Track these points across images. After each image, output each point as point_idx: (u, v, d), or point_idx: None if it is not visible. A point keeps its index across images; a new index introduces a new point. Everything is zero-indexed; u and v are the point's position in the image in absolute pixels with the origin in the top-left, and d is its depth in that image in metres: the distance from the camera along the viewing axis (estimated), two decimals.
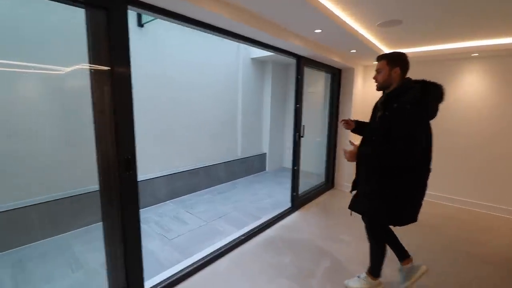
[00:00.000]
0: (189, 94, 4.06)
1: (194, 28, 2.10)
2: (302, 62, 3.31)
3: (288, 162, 5.99)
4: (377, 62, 1.80)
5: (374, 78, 1.80)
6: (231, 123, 4.97)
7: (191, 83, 4.07)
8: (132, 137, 1.63)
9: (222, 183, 4.69)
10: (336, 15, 2.30)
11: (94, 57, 1.48)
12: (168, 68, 3.73)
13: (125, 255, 1.70)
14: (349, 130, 2.14)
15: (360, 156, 1.73)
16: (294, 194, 3.57)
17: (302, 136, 3.44)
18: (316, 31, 2.57)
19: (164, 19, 1.88)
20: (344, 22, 2.45)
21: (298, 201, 3.66)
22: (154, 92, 3.58)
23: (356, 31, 2.71)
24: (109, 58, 1.48)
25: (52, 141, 2.70)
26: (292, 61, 5.28)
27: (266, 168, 5.69)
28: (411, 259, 2.01)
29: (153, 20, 3.28)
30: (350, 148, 1.80)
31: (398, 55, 1.72)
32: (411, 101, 1.57)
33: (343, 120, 2.13)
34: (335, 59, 3.54)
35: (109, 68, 1.49)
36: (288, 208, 3.52)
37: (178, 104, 3.92)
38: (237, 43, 4.78)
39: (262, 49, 2.81)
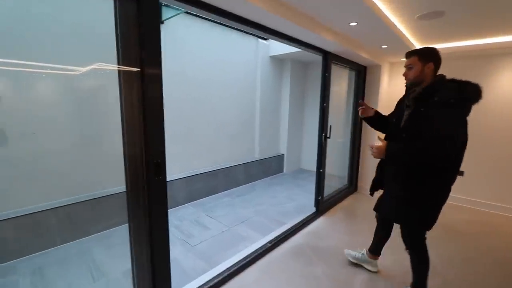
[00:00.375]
0: (208, 92, 3.94)
1: (224, 21, 1.95)
2: (330, 59, 3.12)
3: (306, 164, 5.81)
4: (406, 59, 1.67)
5: (404, 74, 1.68)
6: (249, 123, 4.83)
7: (210, 82, 3.94)
8: (162, 141, 1.49)
9: (241, 185, 4.55)
10: (376, 6, 2.11)
11: (123, 55, 1.35)
12: (188, 65, 3.61)
13: (152, 258, 1.57)
14: (364, 119, 2.05)
15: (389, 152, 1.59)
16: (319, 198, 3.39)
17: (329, 137, 3.26)
18: (352, 24, 2.38)
19: (191, 10, 1.75)
20: (383, 13, 2.26)
21: (323, 205, 3.48)
22: (172, 90, 3.47)
23: (393, 24, 2.51)
24: (139, 55, 1.36)
25: (71, 143, 2.61)
26: (312, 59, 5.13)
27: (284, 170, 5.52)
28: (378, 257, 2.23)
29: (174, 16, 3.16)
30: (377, 143, 1.66)
31: (430, 50, 1.62)
32: (453, 96, 1.43)
33: (360, 103, 2.03)
34: (363, 55, 3.34)
35: (139, 68, 1.36)
36: (313, 213, 3.34)
37: (197, 103, 3.80)
38: (256, 41, 4.64)
39: (289, 43, 2.64)
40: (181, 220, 3.22)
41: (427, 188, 1.56)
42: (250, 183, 4.71)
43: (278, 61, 5.12)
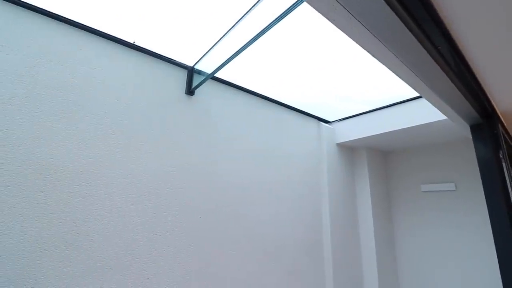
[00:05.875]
0: (248, 198, 2.40)
1: None
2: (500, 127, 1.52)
3: None
4: None
5: None
6: (316, 248, 2.97)
7: (254, 183, 2.46)
8: None
9: None
10: None
11: None
12: (224, 158, 2.25)
13: None
14: None
15: None
16: None
17: None
18: None
19: None
20: None
21: None
22: (194, 197, 2.00)
23: None
24: None
25: None
26: (393, 146, 3.58)
27: None
28: None
29: (202, 83, 2.01)
30: None
31: None
32: None
33: None
34: None
35: None
36: None
37: (232, 218, 2.22)
38: (317, 124, 3.33)
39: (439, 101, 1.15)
40: None
41: None
42: None
43: (348, 150, 3.63)
